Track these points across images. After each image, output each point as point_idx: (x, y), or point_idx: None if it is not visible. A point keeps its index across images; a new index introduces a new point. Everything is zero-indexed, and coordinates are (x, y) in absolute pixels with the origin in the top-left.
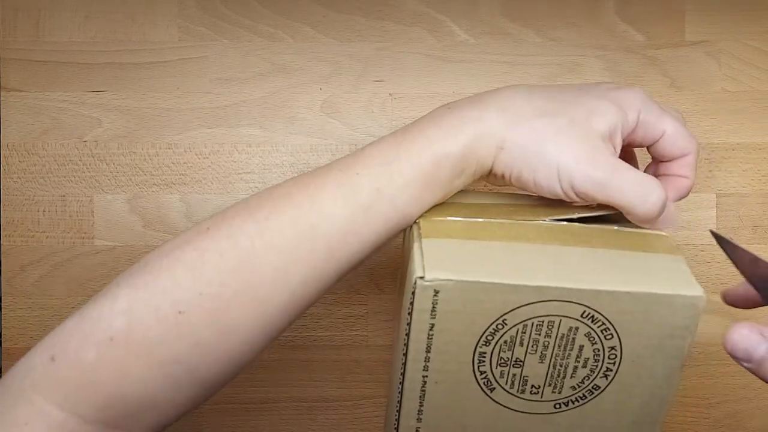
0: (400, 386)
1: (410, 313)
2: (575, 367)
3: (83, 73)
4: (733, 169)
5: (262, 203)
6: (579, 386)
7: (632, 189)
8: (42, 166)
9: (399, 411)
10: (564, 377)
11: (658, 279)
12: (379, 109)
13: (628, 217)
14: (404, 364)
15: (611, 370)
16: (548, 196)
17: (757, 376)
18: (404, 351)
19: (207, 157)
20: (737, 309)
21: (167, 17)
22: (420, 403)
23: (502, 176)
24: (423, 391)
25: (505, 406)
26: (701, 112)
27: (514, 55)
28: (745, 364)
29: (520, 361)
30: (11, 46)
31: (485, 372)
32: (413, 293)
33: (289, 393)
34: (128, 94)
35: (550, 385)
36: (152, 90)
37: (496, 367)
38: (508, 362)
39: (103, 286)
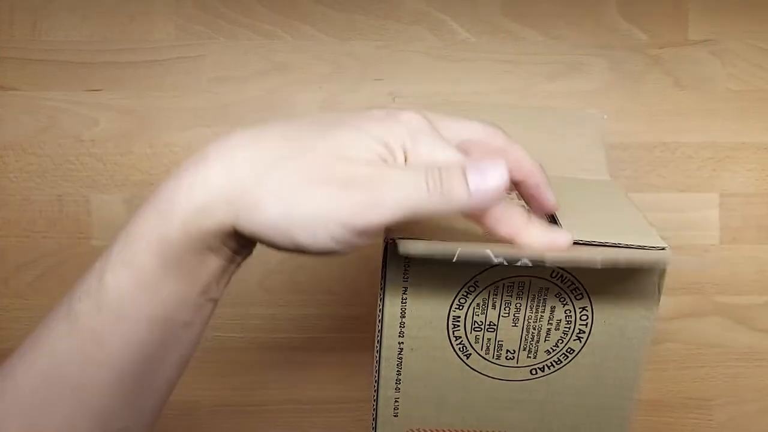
0: (377, 355)
1: (384, 278)
2: (548, 330)
3: (80, 72)
4: (737, 169)
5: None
6: (553, 350)
7: (409, 184)
8: (38, 165)
9: (377, 381)
10: (538, 341)
11: (623, 234)
12: (379, 109)
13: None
14: (380, 330)
15: (584, 332)
16: (318, 252)
17: None
18: (380, 317)
19: None
20: (737, 309)
21: (165, 16)
22: (397, 371)
23: (266, 242)
24: (400, 358)
25: (481, 373)
26: (705, 111)
27: (516, 54)
28: None
29: (494, 324)
30: (8, 45)
31: (460, 337)
32: (385, 257)
33: (288, 395)
34: (126, 93)
35: (525, 349)
36: (150, 89)
37: (471, 332)
38: (482, 326)
39: None
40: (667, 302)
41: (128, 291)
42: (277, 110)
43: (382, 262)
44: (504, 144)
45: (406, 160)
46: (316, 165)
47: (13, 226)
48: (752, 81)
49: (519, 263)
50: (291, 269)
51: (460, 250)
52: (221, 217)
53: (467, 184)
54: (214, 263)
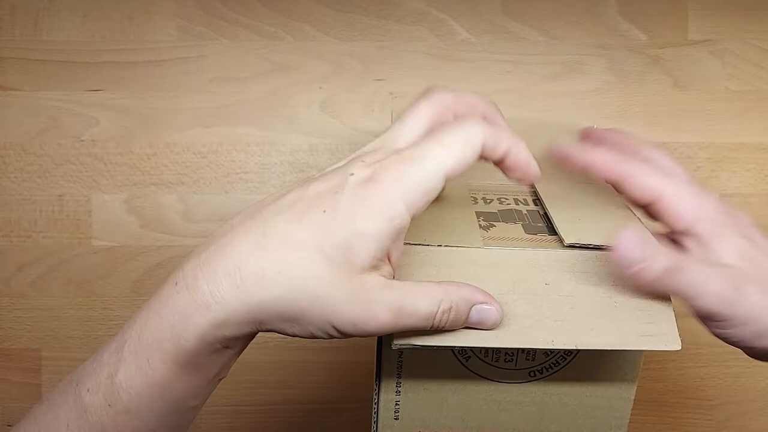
0: (378, 359)
1: None
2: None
3: (81, 72)
4: (737, 169)
5: None
6: (552, 352)
7: (424, 307)
8: (39, 165)
9: (378, 385)
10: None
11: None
12: (379, 109)
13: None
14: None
15: None
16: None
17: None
18: None
19: (205, 157)
20: None
21: (166, 16)
22: (398, 375)
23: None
24: (400, 361)
25: (481, 376)
26: (704, 111)
27: (516, 54)
28: (637, 267)
29: None
30: (9, 45)
31: None
32: None
33: (288, 395)
34: (126, 93)
35: (523, 352)
36: (150, 89)
37: None
38: None
39: (100, 286)
40: None
41: (142, 391)
42: (277, 110)
43: None
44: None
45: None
46: (329, 263)
47: (13, 226)
48: (752, 81)
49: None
50: None
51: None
52: (242, 327)
53: (468, 318)
54: (229, 355)
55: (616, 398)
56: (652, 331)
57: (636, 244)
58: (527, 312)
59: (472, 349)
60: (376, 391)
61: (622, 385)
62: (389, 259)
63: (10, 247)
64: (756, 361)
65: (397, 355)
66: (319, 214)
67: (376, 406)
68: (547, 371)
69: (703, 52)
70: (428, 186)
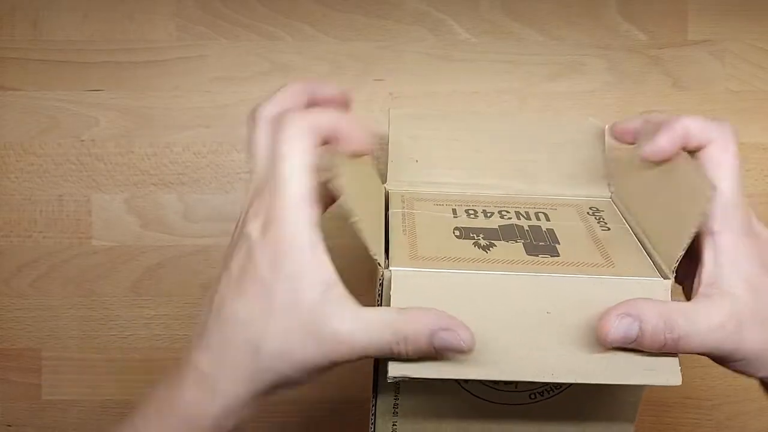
0: (375, 378)
1: (380, 296)
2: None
3: (81, 72)
4: None
5: None
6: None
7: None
8: (39, 165)
9: (375, 407)
10: None
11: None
12: (379, 109)
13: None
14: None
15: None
16: None
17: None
18: None
19: (205, 157)
20: None
21: (166, 16)
22: (395, 396)
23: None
24: (398, 384)
25: (480, 398)
26: (705, 112)
27: (516, 54)
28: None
29: None
30: (9, 45)
31: None
32: (381, 284)
33: (287, 396)
34: (126, 93)
35: None
36: (150, 89)
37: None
38: None
39: (100, 286)
40: None
41: None
42: None
43: (379, 287)
44: None
45: None
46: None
47: (14, 226)
48: (752, 81)
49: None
50: None
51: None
52: (259, 402)
53: (432, 345)
54: (247, 419)
55: (620, 421)
56: (653, 365)
57: (619, 329)
58: (527, 342)
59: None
60: (373, 412)
61: (626, 407)
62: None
63: (10, 247)
64: None
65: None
66: (253, 284)
67: (373, 426)
68: (549, 393)
69: (703, 53)
70: (304, 191)
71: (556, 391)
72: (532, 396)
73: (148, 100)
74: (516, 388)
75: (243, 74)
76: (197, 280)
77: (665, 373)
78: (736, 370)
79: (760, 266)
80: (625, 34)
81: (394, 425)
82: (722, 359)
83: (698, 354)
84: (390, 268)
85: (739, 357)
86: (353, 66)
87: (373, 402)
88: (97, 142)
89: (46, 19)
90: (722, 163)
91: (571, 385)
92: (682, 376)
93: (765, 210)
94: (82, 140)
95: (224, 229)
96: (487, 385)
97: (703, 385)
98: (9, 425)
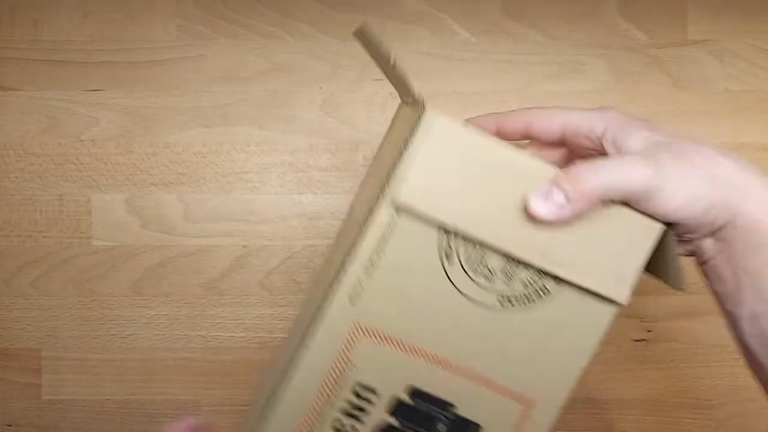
0: (363, 226)
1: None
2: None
3: (81, 72)
4: None
5: None
6: (529, 283)
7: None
8: (39, 165)
9: (353, 250)
10: (518, 265)
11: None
12: (379, 109)
13: None
14: (382, 190)
15: (561, 278)
16: None
17: None
18: (387, 177)
19: (205, 157)
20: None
21: (165, 16)
22: (377, 252)
23: None
24: (385, 241)
25: (454, 285)
26: (704, 111)
27: (516, 54)
28: None
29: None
30: (9, 45)
31: (449, 234)
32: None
33: None
34: (126, 93)
35: (503, 272)
36: (150, 89)
37: (460, 239)
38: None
39: (100, 286)
40: (667, 302)
41: None
42: (276, 110)
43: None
44: None
45: None
46: None
47: (14, 226)
48: (751, 81)
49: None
50: (291, 269)
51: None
52: None
53: None
54: None
55: (568, 362)
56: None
57: (545, 202)
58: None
59: (457, 250)
60: (345, 259)
61: (578, 352)
62: None
63: (10, 247)
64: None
65: (384, 230)
66: None
67: (337, 278)
68: (518, 302)
69: (703, 52)
70: None
71: (526, 303)
72: (502, 301)
73: (148, 100)
74: (491, 284)
75: (243, 74)
76: (197, 280)
77: (617, 286)
78: (670, 216)
79: (650, 130)
80: (625, 34)
81: (360, 285)
82: (652, 191)
83: (633, 198)
84: (430, 113)
85: (665, 185)
86: (353, 66)
87: (350, 247)
88: (97, 142)
89: (46, 19)
90: None
91: (542, 299)
92: (682, 376)
93: None
94: (82, 140)
95: (224, 229)
96: (466, 273)
97: (703, 385)
98: (9, 425)
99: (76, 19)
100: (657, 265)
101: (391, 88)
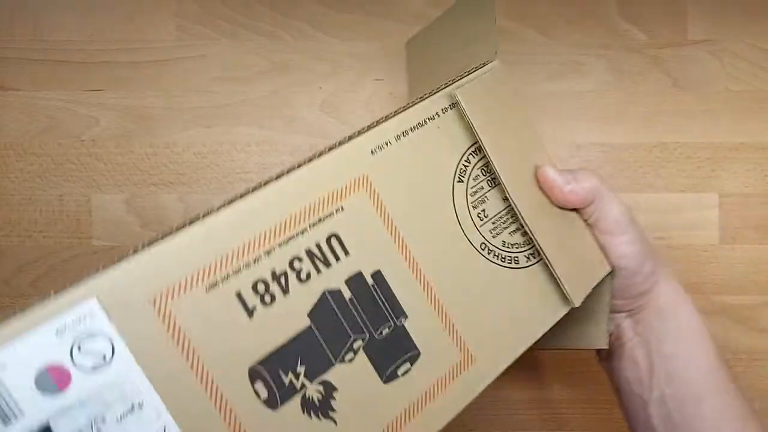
0: (419, 99)
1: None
2: (517, 228)
3: (81, 72)
4: (736, 169)
5: None
6: (508, 247)
7: None
8: (39, 165)
9: (395, 117)
10: (506, 227)
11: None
12: (379, 109)
13: None
14: (447, 85)
15: (537, 256)
16: None
17: None
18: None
19: (206, 157)
20: (737, 309)
21: (166, 16)
22: (419, 125)
23: None
24: (431, 118)
25: (453, 203)
26: (704, 111)
27: (516, 54)
28: None
29: (491, 185)
30: (9, 45)
31: (467, 166)
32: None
33: None
34: (126, 93)
35: (493, 224)
36: (150, 89)
37: (474, 178)
38: (484, 179)
39: None
40: None
41: None
42: (277, 110)
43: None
44: None
45: None
46: None
47: (14, 226)
48: (752, 81)
49: None
50: None
51: None
52: None
53: None
54: None
55: (531, 324)
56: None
57: (558, 173)
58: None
59: (469, 188)
60: (386, 118)
61: (537, 321)
62: None
63: (10, 247)
64: (756, 361)
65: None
66: None
67: (371, 127)
68: (495, 258)
69: (703, 52)
70: None
71: (498, 263)
72: (483, 247)
73: (148, 100)
74: (478, 229)
75: (243, 74)
76: None
77: (577, 289)
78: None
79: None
80: (625, 34)
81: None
82: (622, 228)
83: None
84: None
85: (632, 230)
86: (353, 66)
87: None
88: (97, 142)
89: (46, 19)
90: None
91: (512, 268)
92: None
93: (765, 210)
94: (82, 140)
95: None
96: (468, 211)
97: None
98: None
99: (76, 19)
100: (588, 315)
101: (391, 88)
